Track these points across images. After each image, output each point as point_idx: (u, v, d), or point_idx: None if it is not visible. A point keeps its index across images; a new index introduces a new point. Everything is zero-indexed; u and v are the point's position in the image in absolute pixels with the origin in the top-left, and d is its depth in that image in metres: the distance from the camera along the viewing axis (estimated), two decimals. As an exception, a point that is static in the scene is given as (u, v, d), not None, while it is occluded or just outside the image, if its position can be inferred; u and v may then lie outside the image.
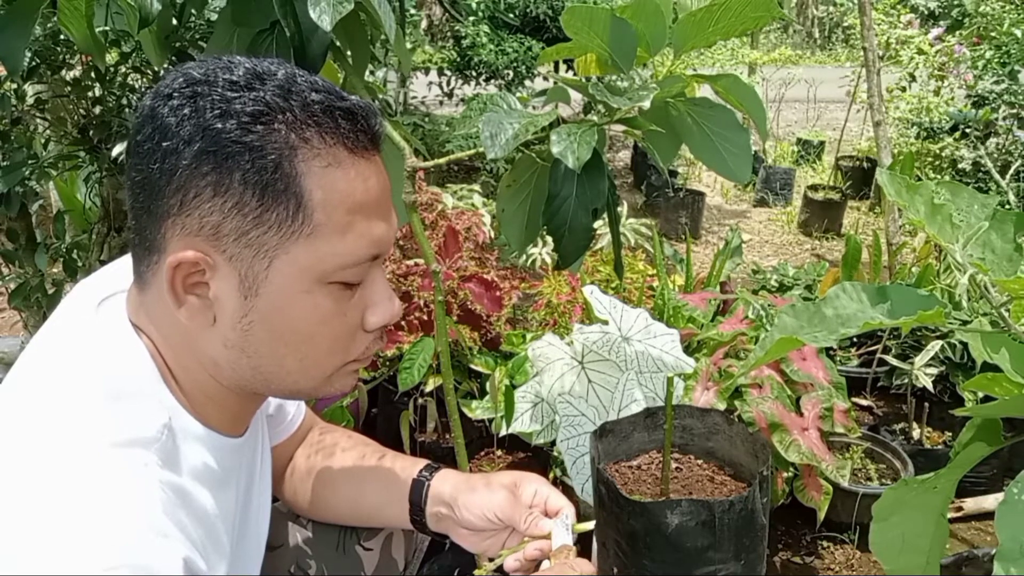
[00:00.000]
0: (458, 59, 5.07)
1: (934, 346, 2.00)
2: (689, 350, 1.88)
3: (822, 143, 5.88)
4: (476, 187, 3.30)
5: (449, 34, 5.33)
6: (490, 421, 1.91)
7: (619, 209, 2.94)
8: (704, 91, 1.11)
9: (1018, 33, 3.89)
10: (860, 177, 4.94)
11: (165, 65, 1.38)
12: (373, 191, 0.68)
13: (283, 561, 0.97)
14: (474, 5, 4.90)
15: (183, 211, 0.63)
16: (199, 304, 0.66)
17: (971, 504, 1.92)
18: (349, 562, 1.00)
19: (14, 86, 1.67)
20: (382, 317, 0.72)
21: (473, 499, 0.88)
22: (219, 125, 0.62)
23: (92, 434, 0.61)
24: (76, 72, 1.74)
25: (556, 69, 5.34)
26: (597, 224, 1.03)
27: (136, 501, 0.60)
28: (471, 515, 0.88)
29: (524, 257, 2.92)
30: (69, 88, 1.71)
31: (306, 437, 1.03)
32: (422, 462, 0.96)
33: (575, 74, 1.22)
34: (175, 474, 0.65)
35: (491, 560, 0.88)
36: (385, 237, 0.70)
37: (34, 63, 1.63)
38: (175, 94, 0.64)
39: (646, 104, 0.92)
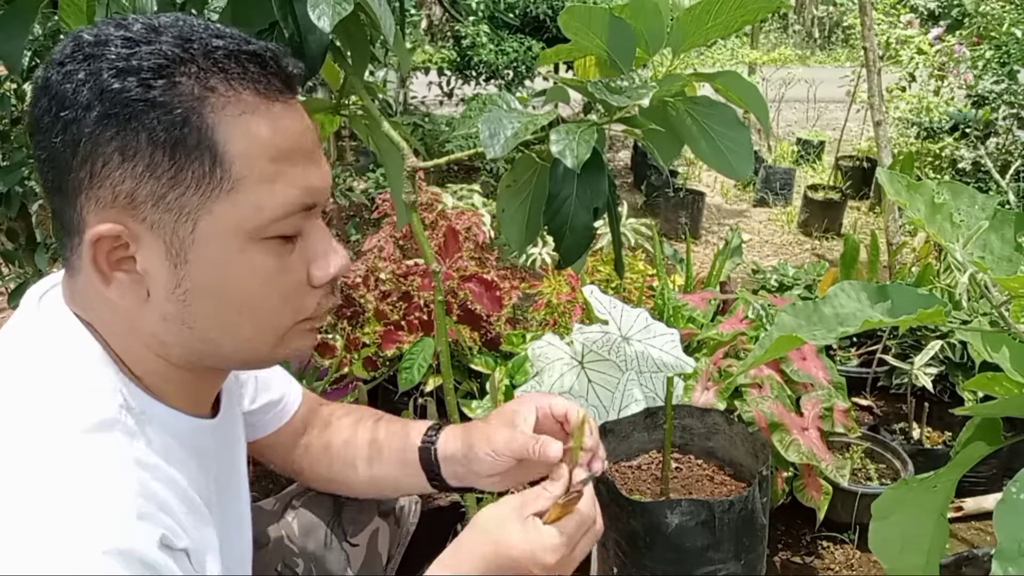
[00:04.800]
0: (458, 59, 5.07)
1: (934, 346, 2.00)
2: (689, 350, 1.88)
3: (822, 143, 5.88)
4: (476, 187, 3.30)
5: (449, 34, 5.34)
6: (490, 421, 1.91)
7: (619, 209, 2.95)
8: (706, 91, 1.11)
9: (1018, 33, 3.89)
10: (860, 177, 4.93)
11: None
12: (295, 136, 0.64)
13: (270, 559, 0.97)
14: (474, 5, 4.90)
15: (94, 183, 0.60)
16: (128, 280, 0.62)
17: (971, 504, 1.92)
18: (335, 559, 1.00)
19: (14, 86, 1.68)
20: (327, 270, 0.68)
21: (478, 452, 0.87)
22: (117, 85, 0.58)
23: (53, 423, 0.59)
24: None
25: (556, 70, 5.35)
26: (597, 224, 1.03)
27: (108, 485, 0.58)
28: (483, 467, 0.87)
29: (524, 257, 2.92)
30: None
31: (315, 413, 1.01)
32: (425, 425, 0.95)
33: (575, 75, 1.22)
34: (142, 452, 0.63)
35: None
36: (317, 185, 0.66)
37: (34, 63, 1.64)
38: (67, 60, 0.59)
39: (645, 102, 0.91)
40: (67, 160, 0.60)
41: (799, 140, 5.97)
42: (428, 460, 0.92)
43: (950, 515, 1.52)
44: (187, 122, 0.59)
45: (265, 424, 0.97)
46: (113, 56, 0.59)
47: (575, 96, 1.08)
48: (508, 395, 1.64)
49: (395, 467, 0.95)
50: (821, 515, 1.64)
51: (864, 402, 2.20)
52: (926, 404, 2.01)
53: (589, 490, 0.78)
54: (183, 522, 0.63)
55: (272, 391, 0.96)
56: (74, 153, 0.59)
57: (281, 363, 0.96)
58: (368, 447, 0.96)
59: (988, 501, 1.92)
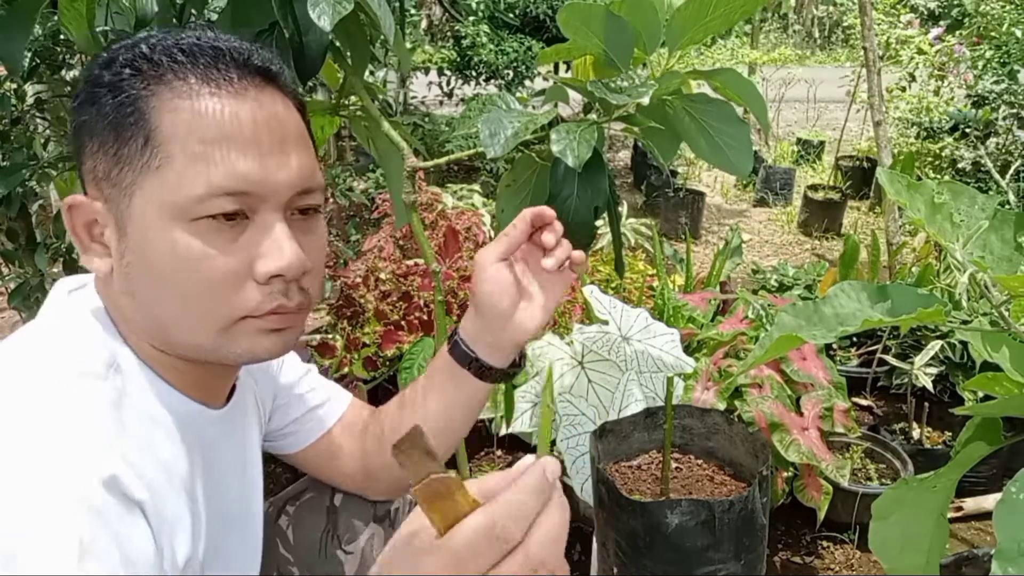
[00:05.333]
0: (458, 59, 5.08)
1: (934, 346, 2.00)
2: (689, 350, 1.88)
3: (822, 143, 5.88)
4: (476, 187, 3.31)
5: (449, 34, 5.34)
6: (490, 421, 1.91)
7: (620, 209, 2.95)
8: (705, 90, 1.11)
9: (1018, 33, 3.90)
10: (860, 177, 4.94)
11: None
12: (240, 123, 0.65)
13: (266, 568, 0.96)
14: (474, 5, 4.90)
15: (80, 161, 0.67)
16: (102, 251, 0.68)
17: (971, 504, 1.92)
18: (330, 567, 1.00)
19: (14, 86, 1.68)
20: (267, 266, 0.66)
21: (485, 298, 0.84)
22: (96, 73, 0.66)
23: (39, 370, 0.63)
24: (76, 72, 1.75)
25: (556, 70, 5.35)
26: (597, 223, 1.03)
27: (70, 416, 0.60)
28: (497, 305, 0.84)
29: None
30: (69, 88, 1.71)
31: (369, 419, 1.00)
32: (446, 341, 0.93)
33: (573, 75, 1.22)
34: (124, 409, 0.65)
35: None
36: (254, 174, 0.65)
37: (34, 63, 1.64)
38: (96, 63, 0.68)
39: (645, 99, 0.91)
40: (73, 146, 0.69)
41: (799, 140, 5.98)
42: (463, 354, 0.88)
43: (950, 515, 1.52)
44: (132, 104, 0.64)
45: (306, 433, 0.96)
46: (106, 54, 0.67)
47: (575, 96, 1.08)
48: (508, 395, 1.64)
49: (447, 388, 0.91)
50: (821, 515, 1.64)
51: (864, 402, 2.20)
52: (926, 404, 2.01)
53: (516, 495, 0.46)
54: (151, 483, 0.63)
55: (312, 399, 0.96)
56: (73, 138, 0.68)
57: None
58: (417, 391, 0.93)
59: (988, 501, 1.92)
